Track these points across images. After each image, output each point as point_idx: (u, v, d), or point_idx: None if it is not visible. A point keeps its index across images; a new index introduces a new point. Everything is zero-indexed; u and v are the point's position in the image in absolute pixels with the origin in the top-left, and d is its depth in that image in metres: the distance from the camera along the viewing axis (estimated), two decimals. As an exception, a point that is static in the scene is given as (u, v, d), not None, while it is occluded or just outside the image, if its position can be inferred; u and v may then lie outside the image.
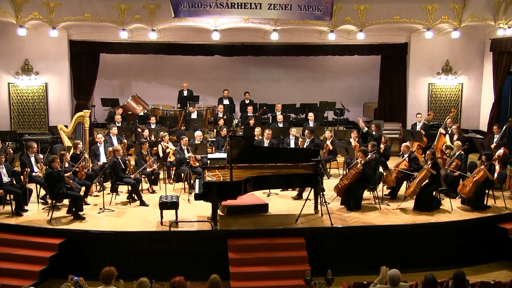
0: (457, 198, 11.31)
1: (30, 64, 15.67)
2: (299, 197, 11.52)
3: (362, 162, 10.85)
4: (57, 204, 10.50)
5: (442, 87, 16.98)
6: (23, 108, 15.84)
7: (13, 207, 10.45)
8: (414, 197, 10.86)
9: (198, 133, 12.94)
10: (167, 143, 12.88)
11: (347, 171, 11.60)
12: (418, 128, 14.19)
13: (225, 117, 15.39)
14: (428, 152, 11.11)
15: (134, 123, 14.99)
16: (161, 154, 12.57)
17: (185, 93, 17.02)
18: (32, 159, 11.34)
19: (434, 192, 10.89)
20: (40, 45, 15.51)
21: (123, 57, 17.59)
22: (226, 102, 16.71)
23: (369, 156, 10.98)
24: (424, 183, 10.77)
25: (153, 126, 14.47)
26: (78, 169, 11.06)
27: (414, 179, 10.87)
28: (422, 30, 15.85)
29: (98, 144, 12.47)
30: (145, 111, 15.77)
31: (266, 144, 12.73)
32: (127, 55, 17.24)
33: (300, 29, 15.63)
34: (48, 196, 10.85)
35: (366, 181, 10.93)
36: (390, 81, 17.34)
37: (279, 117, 15.23)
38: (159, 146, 12.83)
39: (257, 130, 13.19)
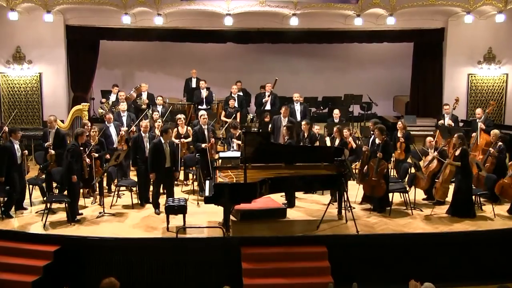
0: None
1: (22, 52, 15.81)
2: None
3: (380, 142, 10.82)
4: (52, 208, 10.58)
5: (483, 78, 16.84)
6: (14, 101, 15.98)
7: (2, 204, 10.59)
8: (445, 198, 10.73)
9: (202, 113, 12.71)
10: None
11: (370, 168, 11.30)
12: (446, 120, 13.90)
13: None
14: (455, 137, 10.84)
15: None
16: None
17: (194, 82, 16.86)
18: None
19: (473, 196, 10.79)
20: (34, 30, 15.64)
21: (125, 45, 17.69)
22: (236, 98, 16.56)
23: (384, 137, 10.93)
24: (451, 179, 10.65)
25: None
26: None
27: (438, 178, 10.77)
28: (461, 14, 15.73)
29: (107, 123, 12.37)
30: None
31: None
32: (130, 42, 17.34)
33: (323, 13, 15.60)
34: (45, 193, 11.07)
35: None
36: (424, 72, 17.26)
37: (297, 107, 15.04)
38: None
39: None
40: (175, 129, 12.73)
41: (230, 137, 13.04)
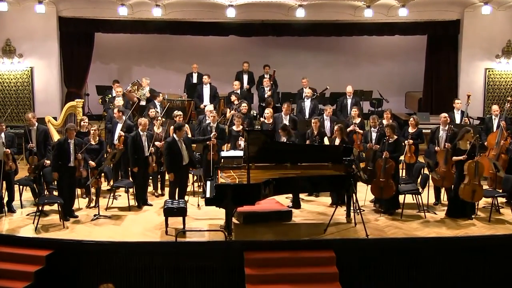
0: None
1: (12, 45, 15.84)
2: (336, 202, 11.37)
3: (391, 141, 10.92)
4: (44, 210, 10.59)
5: (502, 73, 16.82)
6: (4, 97, 16.03)
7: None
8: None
9: (209, 108, 12.71)
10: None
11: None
12: (457, 116, 13.81)
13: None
14: (467, 134, 10.84)
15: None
16: None
17: (195, 77, 16.86)
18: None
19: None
20: (24, 22, 15.66)
21: (122, 38, 17.70)
22: (245, 77, 16.46)
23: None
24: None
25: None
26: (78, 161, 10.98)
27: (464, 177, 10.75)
28: (478, 4, 15.71)
29: (117, 119, 12.41)
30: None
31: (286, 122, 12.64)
32: (127, 35, 17.34)
33: (331, 4, 15.60)
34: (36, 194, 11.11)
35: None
36: (438, 66, 17.23)
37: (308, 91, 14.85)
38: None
39: (267, 112, 13.08)
40: (171, 126, 12.75)
41: (236, 135, 13.00)
